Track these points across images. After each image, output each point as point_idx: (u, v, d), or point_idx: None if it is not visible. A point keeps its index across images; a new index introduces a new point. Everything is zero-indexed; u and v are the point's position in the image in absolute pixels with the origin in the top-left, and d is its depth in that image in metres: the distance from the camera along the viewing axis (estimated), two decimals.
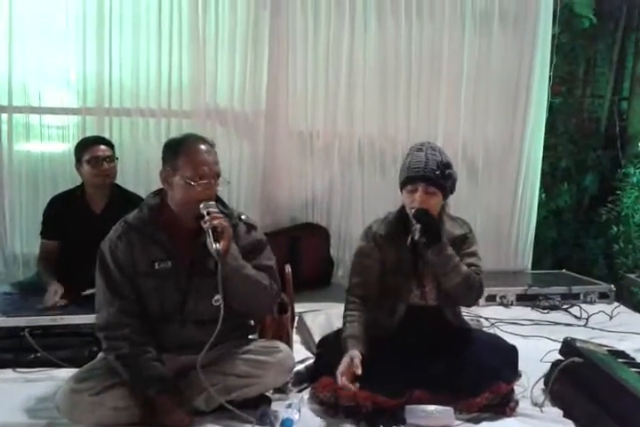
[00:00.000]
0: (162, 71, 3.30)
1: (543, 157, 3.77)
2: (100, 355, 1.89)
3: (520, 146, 3.58)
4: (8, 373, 2.09)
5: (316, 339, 2.33)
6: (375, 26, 3.42)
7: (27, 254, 3.30)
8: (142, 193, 2.97)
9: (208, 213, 1.75)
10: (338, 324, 2.32)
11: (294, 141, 3.46)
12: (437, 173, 1.99)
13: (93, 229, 2.68)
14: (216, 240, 1.72)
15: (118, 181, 2.88)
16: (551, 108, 3.93)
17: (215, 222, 1.73)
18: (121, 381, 1.75)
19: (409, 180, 2.04)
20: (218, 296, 1.76)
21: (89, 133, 3.16)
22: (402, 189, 2.09)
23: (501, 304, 3.02)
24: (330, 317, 2.56)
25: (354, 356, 1.90)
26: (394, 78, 3.46)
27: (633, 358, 2.03)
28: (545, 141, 3.77)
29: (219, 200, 1.90)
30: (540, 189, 3.86)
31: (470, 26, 3.47)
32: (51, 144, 3.34)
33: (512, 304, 3.05)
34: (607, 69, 4.27)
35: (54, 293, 2.48)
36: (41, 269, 2.76)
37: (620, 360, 1.98)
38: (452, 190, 2.09)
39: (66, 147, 3.31)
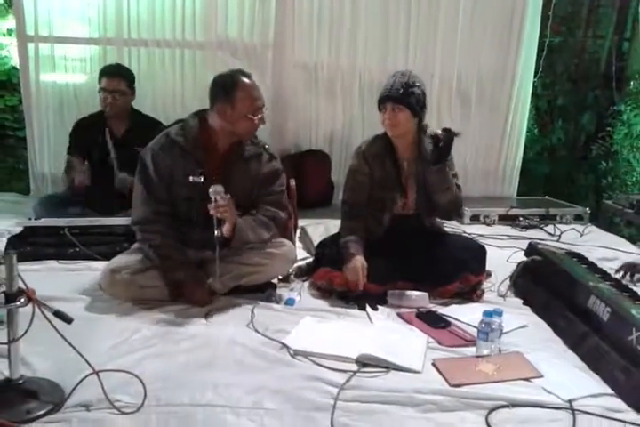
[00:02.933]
0: (176, 4, 3.49)
1: (540, 96, 3.96)
2: (135, 245, 2.24)
3: (511, 79, 3.79)
4: (52, 264, 2.43)
5: (316, 244, 2.68)
6: None
7: (54, 174, 3.64)
8: (159, 117, 3.29)
9: (215, 200, 1.98)
10: (334, 231, 2.66)
11: (300, 73, 3.69)
12: (400, 91, 2.26)
13: (116, 149, 3.04)
14: (218, 226, 1.98)
15: (138, 106, 3.16)
16: (551, 48, 4.09)
17: (216, 213, 1.96)
18: (153, 265, 2.11)
19: (380, 101, 2.32)
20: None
21: (110, 62, 3.40)
22: (379, 111, 2.36)
23: (484, 223, 3.34)
24: (329, 227, 2.90)
25: (359, 264, 2.19)
26: (394, 14, 3.64)
27: (586, 258, 2.35)
28: (543, 80, 3.94)
29: None
30: (535, 126, 4.08)
31: None
32: (74, 74, 3.59)
33: (494, 223, 3.37)
34: (610, 10, 4.40)
35: (81, 176, 2.84)
36: (66, 175, 3.06)
37: (575, 259, 2.31)
38: (420, 107, 2.31)
39: (88, 76, 3.57)
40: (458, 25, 3.67)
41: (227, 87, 2.08)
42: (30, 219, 2.62)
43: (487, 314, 1.84)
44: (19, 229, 2.60)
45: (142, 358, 1.69)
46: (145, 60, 3.57)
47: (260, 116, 2.10)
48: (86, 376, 1.50)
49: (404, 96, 2.24)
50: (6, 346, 1.50)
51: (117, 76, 3.03)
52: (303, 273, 2.42)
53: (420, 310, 2.13)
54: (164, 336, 1.84)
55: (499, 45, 3.74)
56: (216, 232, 1.98)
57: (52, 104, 3.59)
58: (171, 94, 3.64)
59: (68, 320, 1.47)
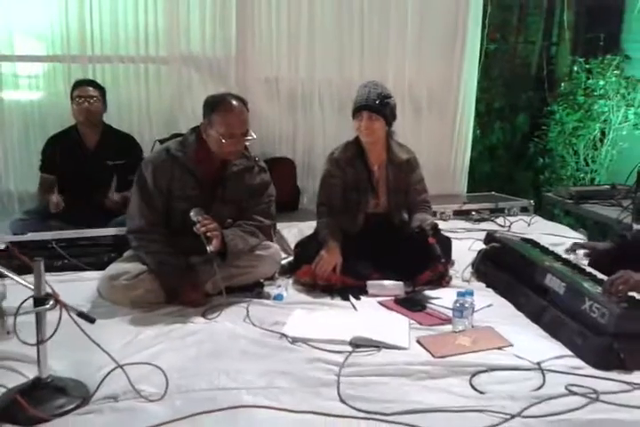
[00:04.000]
0: (139, 20, 3.59)
1: (479, 99, 4.28)
2: (128, 252, 2.35)
3: (457, 87, 4.08)
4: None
5: (292, 245, 2.85)
6: None
7: (21, 191, 3.65)
8: (126, 131, 3.38)
9: (198, 221, 2.13)
10: (308, 233, 2.86)
11: (262, 86, 3.85)
12: (377, 102, 2.49)
13: (88, 162, 3.13)
14: (208, 243, 2.11)
15: (105, 120, 3.25)
16: (487, 54, 4.44)
17: (203, 230, 2.11)
18: (149, 269, 2.23)
19: (356, 110, 2.55)
20: None
21: (74, 80, 3.46)
22: (354, 119, 2.58)
23: (441, 219, 3.60)
24: (301, 229, 3.09)
25: (332, 259, 2.39)
26: (348, 28, 3.86)
27: (538, 243, 2.63)
28: (480, 84, 4.27)
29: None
30: (476, 128, 4.40)
31: None
32: (38, 92, 3.62)
33: (449, 218, 3.64)
34: (538, 17, 4.82)
35: (55, 199, 2.91)
36: (41, 194, 3.15)
37: (529, 245, 2.59)
38: (393, 116, 2.58)
39: (52, 94, 3.61)
40: (407, 37, 3.93)
41: (210, 107, 2.23)
42: (16, 234, 2.67)
43: (460, 294, 2.07)
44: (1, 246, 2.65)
45: (154, 353, 1.83)
46: (109, 75, 3.64)
47: (232, 141, 2.18)
48: (112, 370, 1.63)
49: (380, 106, 2.47)
50: (14, 350, 1.63)
51: (91, 85, 3.15)
52: (286, 271, 2.59)
53: (398, 297, 2.35)
54: (169, 334, 1.98)
55: (445, 54, 4.02)
56: (208, 248, 2.11)
57: (15, 122, 3.60)
58: (136, 109, 3.73)
59: (91, 320, 1.59)
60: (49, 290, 1.55)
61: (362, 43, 3.91)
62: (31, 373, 1.66)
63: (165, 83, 3.74)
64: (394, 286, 2.40)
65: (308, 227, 3.06)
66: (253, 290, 2.38)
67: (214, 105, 2.23)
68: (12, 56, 3.51)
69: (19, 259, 1.56)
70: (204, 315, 2.15)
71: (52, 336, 1.53)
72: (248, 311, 2.16)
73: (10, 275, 1.54)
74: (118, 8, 3.55)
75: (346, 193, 2.60)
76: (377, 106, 2.47)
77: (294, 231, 3.08)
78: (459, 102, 4.11)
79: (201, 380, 1.68)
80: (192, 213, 2.16)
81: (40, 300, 1.52)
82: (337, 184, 2.59)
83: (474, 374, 1.75)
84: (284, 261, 2.61)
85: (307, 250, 2.57)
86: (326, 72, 3.90)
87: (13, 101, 3.59)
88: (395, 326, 2.06)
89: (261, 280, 2.45)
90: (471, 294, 2.10)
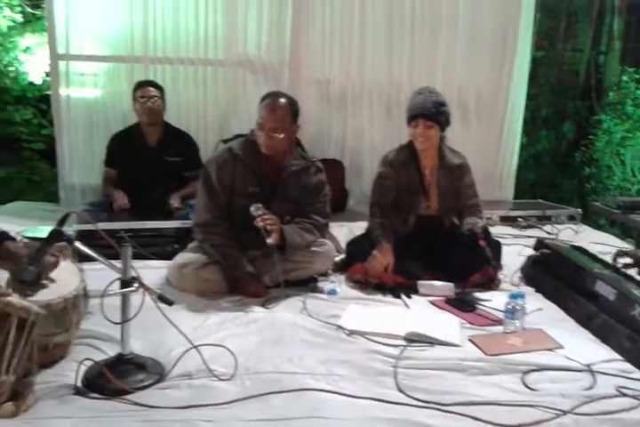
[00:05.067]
0: (199, 24, 3.76)
1: (526, 106, 4.31)
2: (194, 243, 2.49)
3: (506, 93, 4.13)
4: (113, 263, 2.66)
5: (342, 243, 2.95)
6: None
7: (83, 184, 3.86)
8: (183, 128, 3.54)
9: (258, 215, 2.25)
10: (357, 232, 2.96)
11: (313, 88, 3.98)
12: (433, 110, 2.57)
13: (149, 159, 3.30)
14: (268, 236, 2.23)
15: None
16: (534, 61, 4.46)
17: (262, 224, 2.23)
18: (213, 260, 2.36)
19: (411, 117, 2.62)
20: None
21: (137, 79, 3.62)
22: (408, 125, 2.66)
23: (488, 224, 3.62)
24: (351, 228, 3.19)
25: (385, 259, 2.47)
26: (399, 32, 3.95)
27: (588, 251, 2.66)
28: (528, 91, 4.30)
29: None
30: (522, 135, 4.43)
31: None
32: (102, 90, 3.81)
33: (496, 224, 3.68)
34: (587, 25, 4.81)
35: (120, 197, 3.09)
36: (106, 188, 3.33)
37: (578, 252, 2.63)
38: (447, 123, 2.66)
39: (116, 92, 3.80)
40: (457, 42, 4.00)
41: (260, 102, 2.41)
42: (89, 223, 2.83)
43: (512, 296, 2.14)
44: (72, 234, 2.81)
45: (221, 338, 1.95)
46: (170, 76, 3.81)
47: (262, 133, 2.33)
48: (188, 350, 1.76)
49: (436, 115, 2.55)
50: (95, 328, 1.78)
51: (152, 86, 3.32)
52: (339, 268, 2.69)
53: (448, 297, 2.42)
54: (234, 321, 2.11)
55: (495, 60, 4.07)
56: (268, 241, 2.23)
57: (80, 119, 3.80)
58: (193, 109, 3.89)
59: (169, 303, 1.72)
60: (133, 274, 1.68)
61: (412, 46, 3.99)
62: (110, 350, 1.81)
63: (221, 84, 3.90)
64: (444, 287, 2.48)
65: (357, 227, 3.16)
66: (308, 284, 2.49)
67: (261, 100, 2.40)
68: (80, 56, 3.71)
69: (108, 243, 1.69)
70: (263, 305, 2.26)
71: (135, 316, 1.66)
72: (305, 304, 2.27)
73: (100, 259, 1.67)
74: (180, 12, 3.73)
75: (398, 195, 2.68)
76: (433, 114, 2.55)
77: (344, 231, 3.17)
78: (507, 108, 4.15)
79: (267, 364, 1.79)
80: (252, 209, 2.27)
81: (126, 282, 1.65)
82: (390, 186, 2.68)
83: (525, 373, 1.81)
84: (336, 259, 2.70)
85: (359, 248, 2.66)
86: (376, 75, 3.99)
87: (79, 99, 3.79)
88: (447, 325, 2.14)
89: (316, 276, 2.56)
90: (522, 296, 2.16)
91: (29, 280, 1.65)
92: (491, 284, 2.55)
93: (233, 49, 3.82)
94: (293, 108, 2.40)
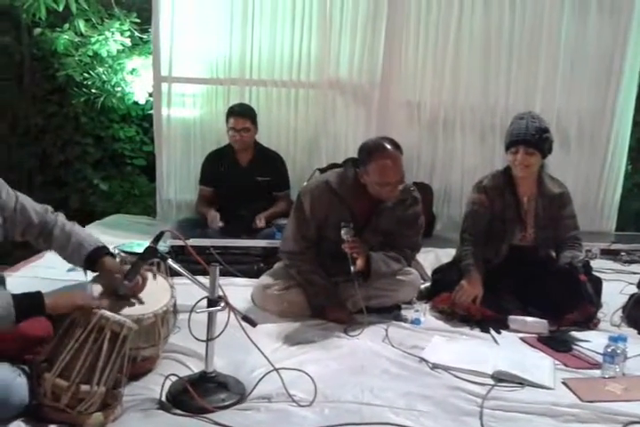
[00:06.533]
0: (294, 48, 3.86)
1: (631, 133, 4.04)
2: (279, 264, 2.51)
3: (610, 120, 3.90)
4: (200, 279, 2.73)
5: (427, 270, 2.87)
6: (481, 7, 3.80)
7: (179, 200, 4.05)
8: (273, 148, 3.64)
9: (347, 240, 2.21)
10: (444, 259, 2.87)
11: (403, 110, 3.95)
12: (536, 136, 2.44)
13: (240, 178, 3.40)
14: (353, 262, 2.20)
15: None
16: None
17: (349, 251, 2.20)
18: (296, 283, 2.37)
19: (512, 143, 2.50)
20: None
21: (232, 101, 3.79)
22: (507, 151, 2.55)
23: (586, 257, 3.41)
24: (438, 255, 3.10)
25: (473, 290, 2.37)
26: (496, 55, 3.84)
27: None
28: (633, 118, 4.03)
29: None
30: (627, 162, 4.14)
31: (569, 7, 3.78)
32: (200, 110, 3.99)
33: (596, 257, 3.44)
34: None
35: (214, 217, 3.17)
36: (201, 209, 3.46)
37: None
38: (549, 151, 2.53)
39: (212, 112, 3.97)
40: (559, 64, 3.82)
41: (366, 155, 2.25)
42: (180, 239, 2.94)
43: (613, 339, 1.97)
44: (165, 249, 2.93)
45: (301, 361, 1.93)
46: (263, 98, 3.93)
47: (387, 188, 2.22)
48: (268, 372, 1.76)
49: (538, 141, 2.43)
50: (181, 344, 1.82)
51: (243, 116, 3.40)
52: (423, 296, 2.61)
53: (541, 335, 2.28)
54: (313, 345, 2.09)
55: (599, 84, 3.87)
56: (352, 268, 2.20)
57: (179, 137, 4.00)
58: (284, 129, 3.98)
59: (253, 324, 1.73)
60: (220, 293, 1.71)
61: (509, 69, 3.86)
62: (194, 366, 1.85)
63: (312, 106, 3.97)
64: (537, 324, 2.33)
65: (444, 254, 3.08)
66: (391, 312, 2.43)
67: (369, 153, 2.23)
68: (181, 78, 3.92)
69: (197, 261, 1.73)
70: (345, 331, 2.23)
71: (220, 334, 1.68)
72: (387, 332, 2.21)
73: (189, 276, 1.72)
74: (277, 36, 3.85)
75: (492, 223, 2.57)
76: (535, 140, 2.43)
77: (430, 257, 3.09)
78: (611, 135, 3.92)
79: (346, 392, 1.75)
80: (343, 232, 2.24)
81: (213, 301, 1.68)
82: (483, 213, 2.57)
83: (626, 425, 1.66)
84: (421, 286, 2.63)
85: (446, 277, 2.58)
86: (470, 98, 3.90)
87: (178, 118, 3.99)
88: (539, 365, 2.00)
89: (399, 303, 2.50)
90: (624, 339, 1.99)
91: (123, 295, 1.73)
92: (589, 323, 2.37)
93: (325, 71, 3.88)
94: (401, 152, 2.30)
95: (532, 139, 2.43)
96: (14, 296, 1.51)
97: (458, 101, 3.91)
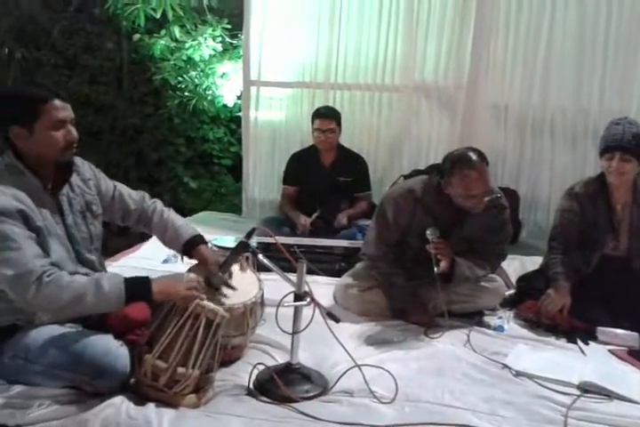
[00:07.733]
0: (379, 51, 3.88)
1: None
2: (360, 264, 2.56)
3: None
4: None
5: (512, 278, 2.80)
6: (575, 3, 3.62)
7: (263, 199, 4.20)
8: (356, 150, 3.68)
9: (432, 241, 2.19)
10: (529, 267, 2.80)
11: (489, 113, 3.86)
12: (633, 142, 2.33)
13: (323, 178, 3.47)
14: (437, 264, 2.18)
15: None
16: None
17: (434, 251, 2.17)
18: (377, 284, 2.40)
19: (607, 149, 2.40)
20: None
21: (317, 104, 3.87)
22: (601, 157, 2.45)
23: None
24: (523, 263, 3.03)
25: (562, 299, 2.29)
26: (590, 55, 3.65)
27: None
28: None
29: None
30: None
31: None
32: (285, 113, 4.11)
33: None
34: None
35: (304, 222, 3.26)
36: (285, 209, 3.56)
37: None
38: None
39: (297, 115, 4.08)
40: None
41: (450, 166, 2.19)
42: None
43: None
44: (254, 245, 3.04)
45: (381, 360, 1.97)
46: (347, 101, 3.98)
47: (473, 200, 2.17)
48: (351, 368, 1.81)
49: (635, 148, 2.33)
50: (268, 335, 1.93)
51: (328, 118, 3.47)
52: (507, 303, 2.56)
53: (632, 348, 2.18)
54: (392, 345, 2.12)
55: None
56: (435, 269, 2.18)
57: (265, 139, 4.14)
58: (367, 132, 4.01)
59: (337, 320, 1.78)
60: (306, 289, 1.77)
61: (604, 71, 3.67)
62: (279, 357, 1.93)
63: (396, 109, 3.97)
64: (628, 337, 2.23)
65: (530, 261, 3.00)
66: (474, 317, 2.40)
67: (453, 165, 2.18)
68: (269, 82, 4.05)
69: (283, 256, 1.80)
70: (425, 333, 2.23)
71: (306, 328, 1.74)
72: (469, 337, 2.20)
73: (278, 272, 1.79)
74: (362, 40, 3.88)
75: (582, 231, 2.48)
76: (632, 147, 2.32)
77: (515, 264, 3.02)
78: None
79: (427, 393, 1.76)
80: (428, 232, 2.23)
81: (299, 296, 1.75)
82: (574, 220, 2.49)
83: None
84: (505, 293, 2.58)
85: (532, 285, 2.51)
86: (561, 100, 3.74)
87: (265, 121, 4.13)
88: (628, 379, 1.92)
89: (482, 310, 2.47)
90: None
91: (216, 285, 1.83)
92: None
93: (410, 74, 3.87)
94: (487, 163, 2.25)
95: (628, 145, 2.33)
96: (126, 280, 1.64)
97: (548, 103, 3.76)
